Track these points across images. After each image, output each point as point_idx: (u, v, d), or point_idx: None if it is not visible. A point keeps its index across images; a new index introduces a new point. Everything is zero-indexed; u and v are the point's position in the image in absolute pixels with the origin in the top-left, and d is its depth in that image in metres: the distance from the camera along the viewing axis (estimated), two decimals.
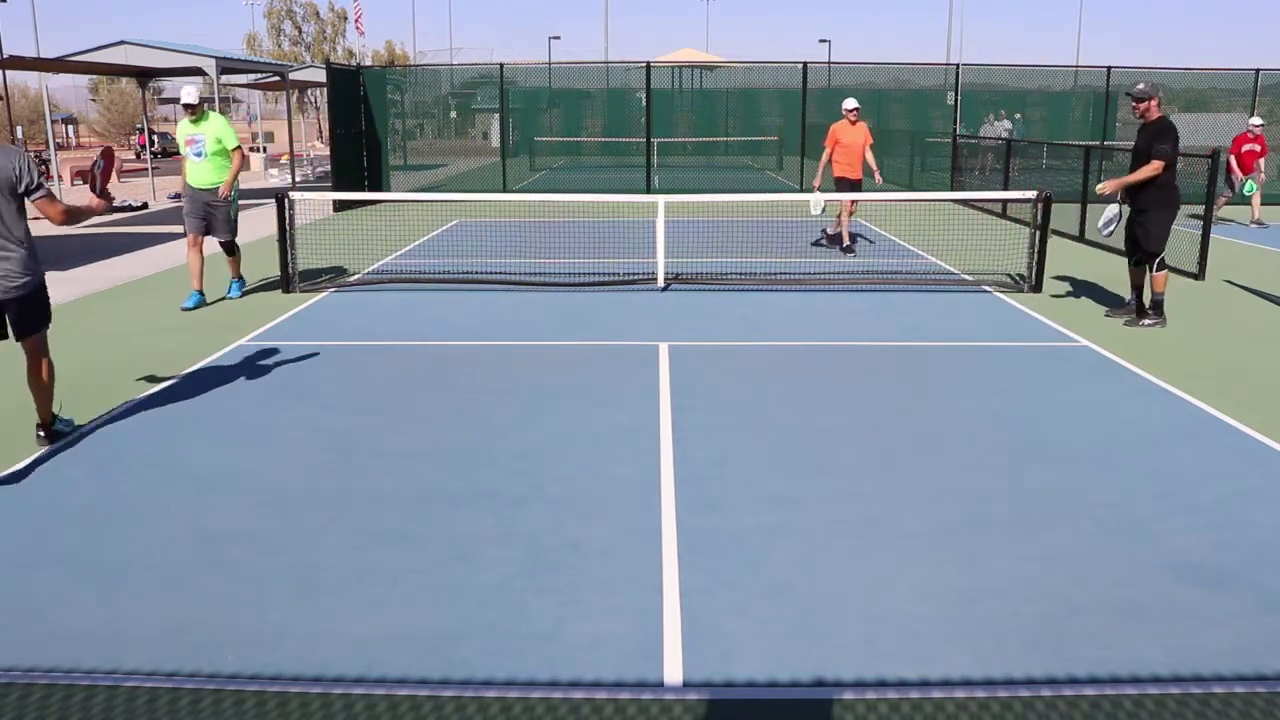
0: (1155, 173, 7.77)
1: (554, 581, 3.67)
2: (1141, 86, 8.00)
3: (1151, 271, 8.00)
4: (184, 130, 8.92)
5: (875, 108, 23.86)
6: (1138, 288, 8.22)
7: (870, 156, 11.79)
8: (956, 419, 5.60)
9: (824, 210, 11.36)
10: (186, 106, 8.80)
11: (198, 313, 8.61)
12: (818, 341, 7.47)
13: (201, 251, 8.88)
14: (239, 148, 8.90)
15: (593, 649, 3.21)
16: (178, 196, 10.09)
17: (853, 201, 11.93)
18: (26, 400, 5.99)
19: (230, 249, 9.15)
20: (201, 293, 8.81)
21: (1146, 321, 8.05)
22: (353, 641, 3.25)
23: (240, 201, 9.73)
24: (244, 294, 9.31)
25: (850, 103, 11.78)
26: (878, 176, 11.91)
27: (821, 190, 11.80)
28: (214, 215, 8.92)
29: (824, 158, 11.95)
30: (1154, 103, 7.94)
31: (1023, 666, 3.10)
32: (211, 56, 16.76)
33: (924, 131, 21.95)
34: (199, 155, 8.76)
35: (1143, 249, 8.00)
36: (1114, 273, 10.69)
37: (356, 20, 48.81)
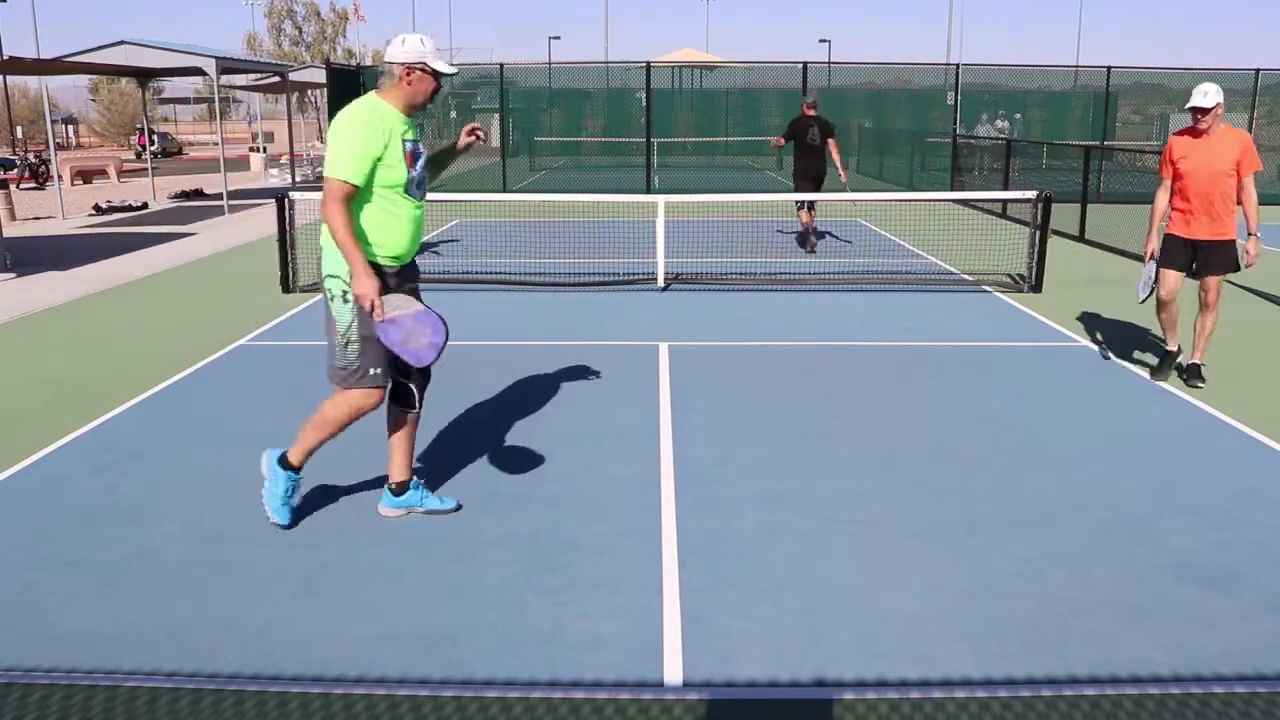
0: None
1: (554, 581, 3.67)
2: (814, 91, 13.21)
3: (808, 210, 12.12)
4: (397, 128, 3.88)
5: (875, 108, 23.89)
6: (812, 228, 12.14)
7: (1249, 198, 6.09)
8: (956, 419, 5.60)
9: (1152, 290, 6.45)
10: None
11: (198, 313, 8.59)
12: (818, 341, 7.46)
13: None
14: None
15: (593, 649, 3.21)
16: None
17: (1207, 287, 6.33)
18: (26, 399, 6.00)
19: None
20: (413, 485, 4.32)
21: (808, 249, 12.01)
22: (353, 641, 3.24)
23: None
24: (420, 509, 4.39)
25: (1206, 96, 5.97)
26: (1253, 250, 6.10)
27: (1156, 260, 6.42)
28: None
29: (1159, 201, 6.41)
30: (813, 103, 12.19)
31: (1023, 666, 3.10)
32: (211, 56, 16.75)
33: (924, 131, 21.95)
34: (421, 187, 4.03)
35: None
36: (1114, 272, 10.70)
37: (356, 11, 49.07)
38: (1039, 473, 4.77)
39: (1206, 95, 5.98)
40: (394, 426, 4.21)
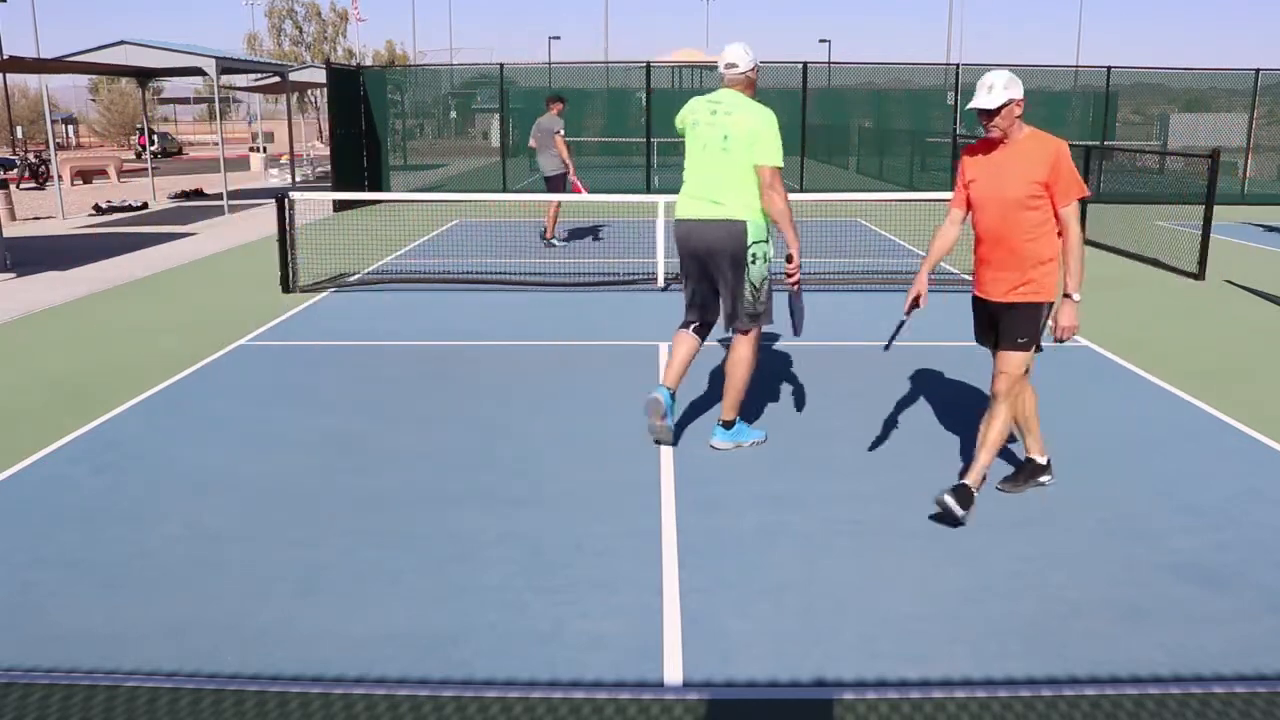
0: None
1: (554, 581, 3.67)
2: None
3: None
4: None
5: (875, 108, 23.87)
6: None
7: (1069, 240, 4.09)
8: (956, 419, 5.60)
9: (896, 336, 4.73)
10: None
11: (198, 313, 8.60)
12: (818, 341, 7.46)
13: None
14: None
15: (593, 649, 3.20)
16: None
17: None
18: (26, 399, 6.00)
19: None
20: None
21: None
22: (353, 641, 3.24)
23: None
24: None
25: (990, 92, 4.02)
26: (1064, 321, 4.10)
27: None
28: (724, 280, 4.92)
29: (936, 238, 4.49)
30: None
31: (1023, 666, 3.10)
32: (211, 56, 16.75)
33: (924, 131, 21.94)
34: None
35: None
36: (1114, 272, 10.70)
37: (354, 12, 49.41)
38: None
39: (991, 90, 4.00)
40: (691, 354, 5.15)
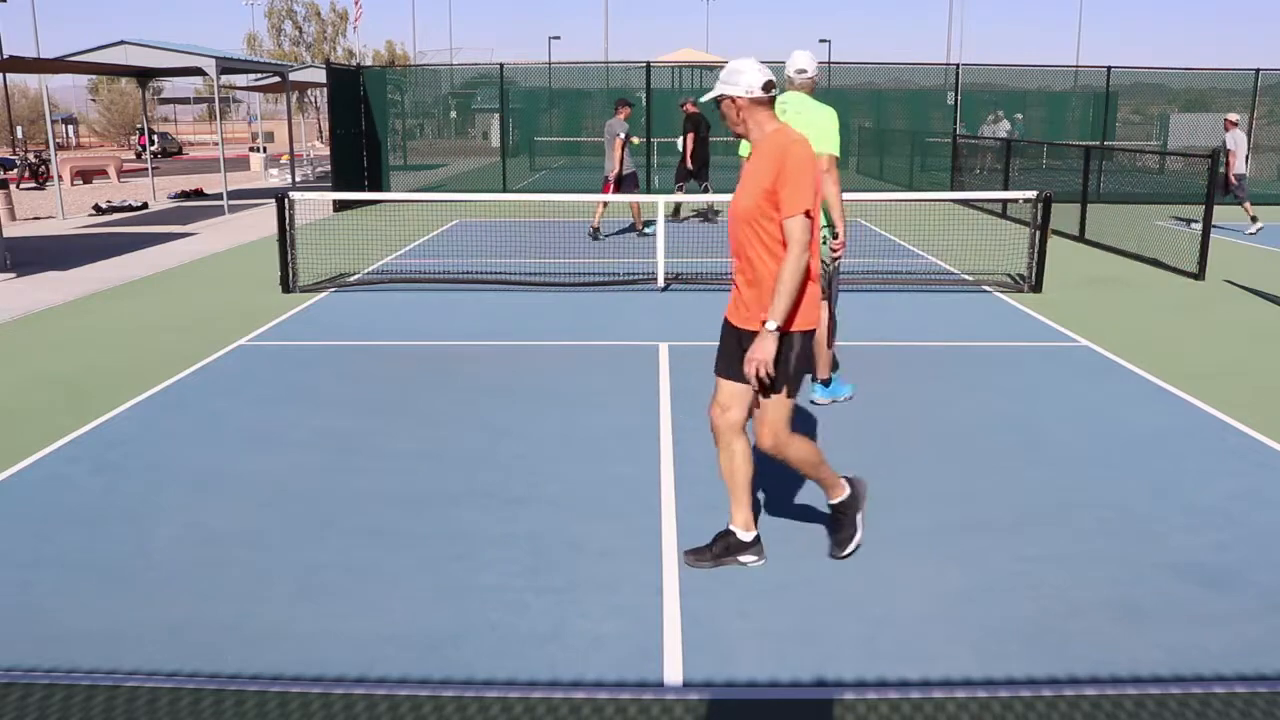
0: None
1: (554, 581, 3.67)
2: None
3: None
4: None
5: (875, 108, 23.87)
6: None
7: (788, 251, 3.38)
8: (956, 419, 5.60)
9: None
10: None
11: (198, 313, 8.60)
12: None
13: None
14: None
15: (593, 649, 3.20)
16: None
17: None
18: (26, 399, 6.00)
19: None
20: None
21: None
22: (353, 641, 3.24)
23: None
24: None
25: (713, 90, 3.48)
26: (755, 350, 3.42)
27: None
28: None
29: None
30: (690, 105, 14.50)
31: (1023, 666, 3.10)
32: (211, 56, 16.75)
33: (924, 131, 21.93)
34: None
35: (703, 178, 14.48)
36: (1114, 272, 10.70)
37: (355, 19, 49.56)
38: (1039, 473, 4.77)
39: (718, 82, 3.46)
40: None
